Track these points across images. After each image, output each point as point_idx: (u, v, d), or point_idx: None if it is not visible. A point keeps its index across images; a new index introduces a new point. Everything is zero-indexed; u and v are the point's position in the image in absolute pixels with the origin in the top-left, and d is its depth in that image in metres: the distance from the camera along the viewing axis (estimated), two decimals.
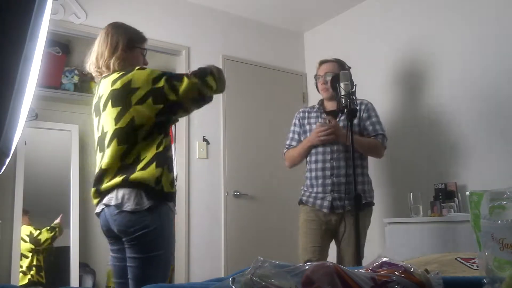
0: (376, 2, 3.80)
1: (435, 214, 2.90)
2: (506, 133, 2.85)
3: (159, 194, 1.84)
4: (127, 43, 2.04)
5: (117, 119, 1.89)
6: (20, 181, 3.26)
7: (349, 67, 2.81)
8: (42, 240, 3.70)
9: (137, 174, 1.83)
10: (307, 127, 2.84)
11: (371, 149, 2.76)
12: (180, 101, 1.90)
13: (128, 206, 1.80)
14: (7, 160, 0.78)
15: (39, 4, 0.66)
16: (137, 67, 1.96)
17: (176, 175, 3.96)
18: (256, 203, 3.85)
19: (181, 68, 3.79)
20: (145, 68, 1.98)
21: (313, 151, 2.76)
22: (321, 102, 2.89)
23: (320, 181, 2.71)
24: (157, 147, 1.89)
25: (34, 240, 3.64)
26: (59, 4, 3.20)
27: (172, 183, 1.93)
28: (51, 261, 3.84)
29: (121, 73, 1.95)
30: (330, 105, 2.81)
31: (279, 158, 4.05)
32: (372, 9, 3.82)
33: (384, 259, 0.75)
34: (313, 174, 2.75)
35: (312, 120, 2.84)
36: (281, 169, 3.96)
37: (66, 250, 3.96)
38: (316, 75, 2.88)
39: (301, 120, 2.89)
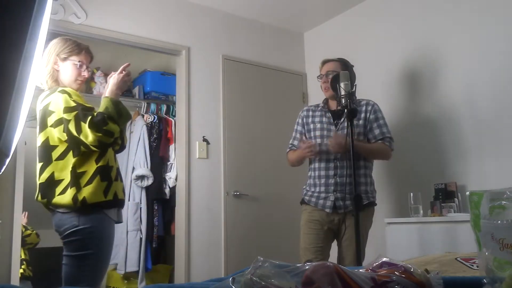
0: (376, 2, 3.80)
1: (435, 214, 2.89)
2: (506, 133, 2.85)
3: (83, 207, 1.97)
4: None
5: None
6: (20, 181, 3.26)
7: (352, 66, 2.80)
8: (28, 241, 3.70)
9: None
10: (311, 126, 2.83)
11: (380, 154, 2.79)
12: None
13: (61, 208, 1.97)
14: (7, 160, 0.77)
15: (39, 4, 0.66)
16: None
17: (176, 175, 3.98)
18: (256, 203, 3.85)
19: (181, 68, 3.79)
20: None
21: None
22: (326, 101, 2.88)
23: (323, 181, 2.70)
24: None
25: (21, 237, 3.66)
26: (59, 4, 3.20)
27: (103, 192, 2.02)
28: (49, 261, 3.84)
29: None
30: (334, 105, 2.79)
31: (279, 158, 4.04)
32: (372, 9, 3.82)
33: (384, 259, 0.75)
34: (316, 173, 2.74)
35: (317, 119, 2.83)
36: (281, 169, 3.96)
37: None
38: (319, 75, 2.87)
39: (304, 119, 2.88)
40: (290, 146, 2.92)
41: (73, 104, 1.98)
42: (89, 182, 1.97)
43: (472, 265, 1.06)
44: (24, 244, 3.68)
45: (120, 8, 3.50)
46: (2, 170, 0.78)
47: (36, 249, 3.93)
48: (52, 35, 3.56)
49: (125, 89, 2.16)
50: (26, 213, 3.74)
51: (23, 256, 3.62)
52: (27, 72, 0.69)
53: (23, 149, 3.35)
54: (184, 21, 3.82)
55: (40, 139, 2.05)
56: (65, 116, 1.95)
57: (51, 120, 2.00)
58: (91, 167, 1.99)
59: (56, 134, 1.99)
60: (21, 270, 3.46)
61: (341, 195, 2.63)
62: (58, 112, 1.98)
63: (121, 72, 2.07)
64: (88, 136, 1.91)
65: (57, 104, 1.99)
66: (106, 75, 4.25)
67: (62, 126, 1.96)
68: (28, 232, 3.73)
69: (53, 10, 3.15)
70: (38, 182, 2.05)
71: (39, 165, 2.05)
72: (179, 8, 3.81)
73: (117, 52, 4.25)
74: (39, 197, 2.03)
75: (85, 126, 1.91)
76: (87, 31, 3.36)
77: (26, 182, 3.34)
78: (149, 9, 3.65)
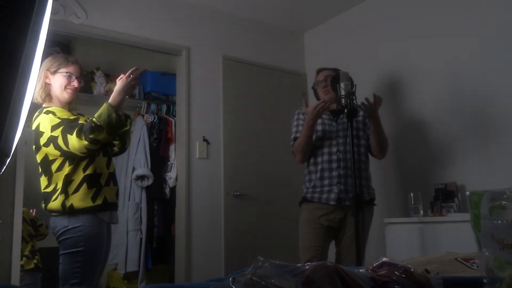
0: (376, 3, 3.80)
1: (435, 214, 2.89)
2: (506, 134, 2.85)
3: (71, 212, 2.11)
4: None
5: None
6: (20, 181, 3.25)
7: (347, 72, 2.80)
8: (41, 231, 3.72)
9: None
10: None
11: (385, 145, 2.79)
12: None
13: (53, 212, 2.15)
14: (8, 160, 0.78)
15: (39, 4, 0.66)
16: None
17: (176, 175, 3.99)
18: (256, 203, 3.85)
19: (181, 68, 3.79)
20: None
21: (319, 143, 2.75)
22: None
23: (326, 174, 2.69)
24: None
25: (35, 227, 3.66)
26: (59, 4, 3.20)
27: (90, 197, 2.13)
28: (49, 261, 3.84)
29: None
30: (334, 105, 2.79)
31: (279, 158, 4.04)
32: (372, 9, 3.82)
33: (384, 259, 0.75)
34: (319, 167, 2.72)
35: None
36: (281, 169, 3.96)
37: None
38: (316, 82, 2.90)
39: (305, 115, 2.83)
40: (293, 138, 2.82)
41: (58, 121, 2.11)
42: (76, 190, 2.11)
43: (472, 265, 1.06)
44: (36, 235, 3.71)
45: (120, 8, 3.50)
46: (3, 170, 0.78)
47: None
48: (52, 35, 3.56)
49: (130, 93, 2.21)
50: (35, 210, 3.76)
51: (36, 247, 3.64)
52: (27, 72, 0.69)
53: (23, 149, 3.35)
54: (184, 21, 3.82)
55: (39, 157, 2.19)
56: (53, 134, 2.09)
57: (43, 140, 2.12)
58: (79, 176, 2.12)
59: (51, 152, 2.13)
60: (35, 261, 3.48)
61: (345, 187, 2.63)
62: (47, 132, 2.11)
63: (128, 76, 2.12)
64: (75, 145, 2.04)
65: (45, 125, 2.12)
66: (106, 75, 4.25)
67: (53, 144, 2.09)
68: (40, 223, 3.75)
69: (53, 10, 3.15)
70: (42, 192, 2.19)
71: (43, 178, 2.18)
72: (179, 8, 3.81)
73: (117, 52, 4.24)
74: (43, 205, 2.20)
75: (71, 138, 2.04)
76: (87, 31, 3.35)
77: (26, 182, 3.34)
78: (149, 9, 3.65)
